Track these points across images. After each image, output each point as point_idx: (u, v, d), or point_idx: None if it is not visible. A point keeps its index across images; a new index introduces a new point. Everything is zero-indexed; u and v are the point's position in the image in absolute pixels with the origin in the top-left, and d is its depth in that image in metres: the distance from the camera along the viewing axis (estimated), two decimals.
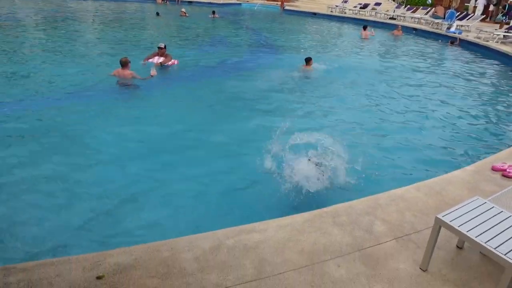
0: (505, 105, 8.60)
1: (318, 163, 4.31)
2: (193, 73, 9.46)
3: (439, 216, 2.49)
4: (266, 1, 30.83)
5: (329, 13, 25.70)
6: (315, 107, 7.44)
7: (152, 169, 4.77)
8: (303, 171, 4.42)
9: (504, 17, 15.79)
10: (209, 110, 7.03)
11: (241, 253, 2.68)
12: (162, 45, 9.13)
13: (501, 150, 5.12)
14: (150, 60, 9.00)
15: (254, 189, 4.41)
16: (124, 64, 7.60)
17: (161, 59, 8.99)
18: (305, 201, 4.06)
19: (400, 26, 18.88)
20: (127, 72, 7.64)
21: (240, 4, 29.37)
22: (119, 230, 3.63)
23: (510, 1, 17.65)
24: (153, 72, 7.72)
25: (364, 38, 16.82)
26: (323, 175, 4.24)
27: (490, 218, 2.49)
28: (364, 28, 17.28)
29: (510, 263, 2.15)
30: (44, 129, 5.68)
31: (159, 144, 5.45)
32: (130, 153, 5.13)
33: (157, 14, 19.94)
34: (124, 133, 5.74)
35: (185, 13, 19.97)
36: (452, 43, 16.21)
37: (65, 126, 5.84)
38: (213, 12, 20.61)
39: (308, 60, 9.83)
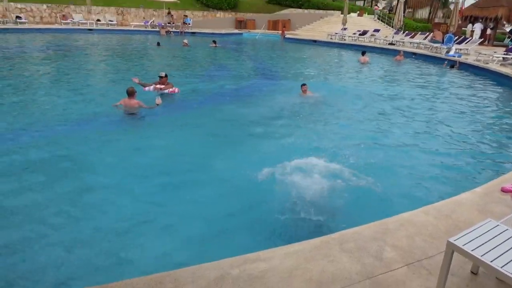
0: (509, 126, 8.55)
1: (322, 187, 4.25)
2: (196, 101, 9.57)
3: (451, 240, 2.41)
4: (267, 31, 31.60)
5: (329, 40, 26.23)
6: (317, 131, 7.44)
7: (157, 197, 4.72)
8: (308, 196, 4.35)
9: (511, 42, 15.77)
10: (212, 137, 7.04)
11: (246, 284, 2.58)
12: (163, 74, 9.29)
13: (509, 171, 5.02)
14: (152, 87, 9.12)
15: (259, 216, 4.32)
16: (131, 93, 7.73)
17: (162, 86, 9.11)
18: (310, 227, 3.98)
19: (402, 52, 19.13)
20: (134, 101, 7.74)
21: (241, 34, 30.10)
22: (122, 261, 3.54)
23: None
24: (159, 101, 7.82)
25: (362, 63, 17.05)
26: (328, 200, 4.18)
27: (504, 241, 2.40)
28: (363, 53, 17.55)
29: None
30: (51, 160, 5.67)
31: (164, 172, 5.42)
32: (135, 182, 5.09)
33: (158, 44, 20.45)
34: (130, 161, 5.74)
35: (187, 43, 20.45)
36: (452, 66, 16.37)
37: (72, 156, 5.84)
38: (214, 42, 21.07)
39: (302, 86, 9.91)
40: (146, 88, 9.10)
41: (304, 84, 9.92)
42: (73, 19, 26.87)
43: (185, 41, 20.81)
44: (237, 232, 4.06)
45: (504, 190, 4.10)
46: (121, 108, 7.75)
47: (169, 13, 29.69)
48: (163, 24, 28.06)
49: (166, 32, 27.17)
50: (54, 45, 18.78)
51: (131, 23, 28.98)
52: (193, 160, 5.88)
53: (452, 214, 3.61)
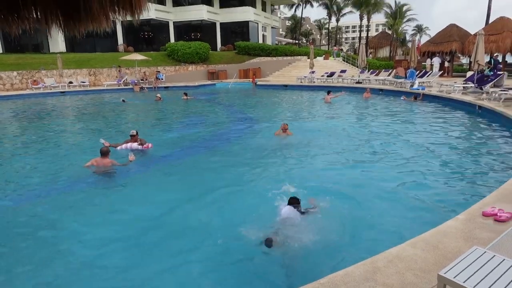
0: (479, 149, 8.83)
1: (307, 228, 4.15)
2: (170, 153, 9.44)
3: (441, 273, 2.33)
4: (238, 79, 32.52)
5: (299, 84, 27.18)
6: (297, 172, 7.43)
7: (135, 254, 4.46)
8: (294, 241, 4.23)
9: (491, 72, 16.63)
10: (190, 189, 6.88)
11: None
12: (134, 132, 9.20)
13: (486, 195, 5.08)
14: (124, 146, 8.99)
15: (242, 265, 4.13)
16: (105, 153, 7.58)
17: (134, 145, 9.00)
18: (299, 270, 3.81)
19: (368, 89, 20.00)
20: (107, 160, 7.58)
21: (214, 84, 30.82)
22: None
23: (495, 55, 18.84)
24: (132, 157, 7.69)
25: (326, 102, 17.55)
26: (315, 241, 4.06)
27: (494, 269, 2.34)
28: (328, 93, 18.17)
29: None
30: (21, 228, 5.35)
31: (142, 228, 5.18)
32: (112, 241, 4.82)
33: (123, 101, 20.61)
34: (106, 220, 5.47)
35: (160, 98, 20.65)
36: (415, 98, 17.19)
37: (44, 223, 5.52)
38: (185, 94, 21.35)
39: (283, 124, 10.18)
40: (119, 148, 8.98)
41: (285, 124, 10.19)
42: (44, 83, 26.90)
43: (158, 95, 21.03)
44: (221, 284, 3.84)
45: (485, 215, 4.11)
46: (93, 169, 7.55)
47: (119, 70, 29.96)
48: (136, 81, 28.46)
49: (140, 88, 27.49)
50: (24, 111, 18.57)
51: (104, 83, 29.23)
52: (172, 214, 5.67)
53: (439, 245, 3.55)
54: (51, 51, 35.20)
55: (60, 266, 4.30)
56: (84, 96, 24.98)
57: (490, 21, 29.44)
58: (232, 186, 6.89)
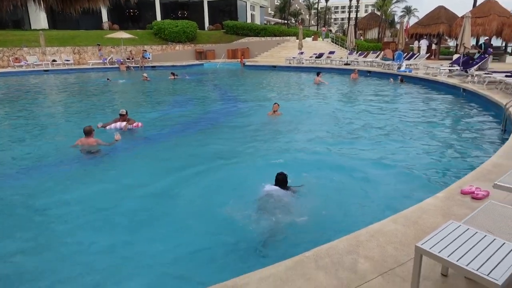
0: (461, 131, 9.09)
1: (293, 206, 4.29)
2: (158, 133, 9.44)
3: (418, 244, 2.49)
4: (227, 59, 32.18)
5: (287, 65, 27.07)
6: (282, 149, 7.57)
7: (125, 235, 4.55)
8: (281, 216, 4.36)
9: (480, 56, 16.73)
10: (178, 168, 6.92)
11: None
12: (124, 112, 9.16)
13: (466, 174, 5.30)
14: (113, 125, 8.96)
15: (230, 241, 4.26)
16: (88, 132, 7.52)
17: (123, 124, 8.98)
18: (284, 246, 3.96)
19: (356, 70, 20.11)
20: (92, 139, 7.54)
21: (202, 64, 30.46)
22: None
23: (486, 39, 18.86)
24: (117, 136, 7.66)
25: (316, 84, 17.61)
26: (300, 216, 4.21)
27: (467, 240, 2.50)
28: (318, 74, 18.21)
29: (494, 282, 2.13)
30: (8, 208, 5.35)
31: (130, 209, 5.25)
32: (100, 223, 4.89)
33: (108, 80, 20.34)
34: (94, 201, 5.50)
35: (146, 77, 20.36)
36: (401, 80, 17.42)
37: (33, 203, 5.52)
38: (172, 74, 21.11)
39: (274, 105, 10.30)
40: (108, 127, 8.93)
41: (276, 103, 10.33)
42: (26, 61, 26.17)
43: (145, 75, 20.73)
44: (211, 261, 3.97)
45: (463, 193, 4.31)
46: (79, 148, 7.52)
47: (99, 48, 29.15)
48: (122, 60, 27.91)
49: (126, 67, 27.01)
50: (6, 89, 18.12)
51: (89, 61, 28.60)
52: (160, 193, 5.75)
53: (419, 220, 3.74)
54: (32, 28, 34.07)
55: (47, 247, 4.35)
56: (68, 75, 24.45)
57: (478, 3, 29.58)
58: (220, 165, 6.99)
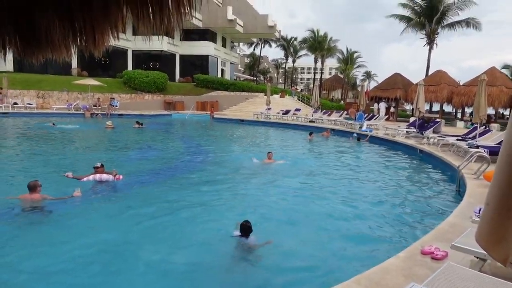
0: (420, 190, 9.45)
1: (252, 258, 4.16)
2: (122, 184, 9.05)
3: None
4: (196, 111, 32.56)
5: (255, 119, 27.75)
6: (249, 200, 7.46)
7: None
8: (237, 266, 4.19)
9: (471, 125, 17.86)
10: (141, 221, 6.61)
11: None
12: (98, 165, 8.46)
13: (426, 232, 5.43)
14: (91, 177, 8.25)
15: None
16: (32, 188, 6.73)
17: (106, 176, 8.35)
18: None
19: (329, 130, 20.87)
20: (36, 196, 6.75)
21: (170, 114, 30.57)
22: None
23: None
24: (77, 193, 7.06)
25: (310, 140, 18.18)
26: (257, 276, 4.07)
27: None
28: (310, 134, 18.69)
29: None
30: None
31: (87, 268, 4.87)
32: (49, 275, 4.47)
33: (53, 124, 19.51)
34: (42, 261, 5.07)
35: (110, 125, 19.97)
36: (358, 139, 18.22)
37: None
38: (137, 122, 20.90)
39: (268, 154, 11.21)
40: (85, 179, 8.19)
41: (269, 152, 11.28)
42: None
43: (108, 123, 20.28)
44: None
45: (423, 253, 4.38)
46: (21, 205, 6.68)
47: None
48: (87, 107, 27.51)
49: (91, 114, 26.58)
50: None
51: (53, 106, 27.93)
52: (119, 244, 5.42)
53: (382, 281, 3.71)
54: None
55: None
56: (29, 119, 23.59)
57: (430, 73, 32.47)
58: (185, 213, 6.81)
